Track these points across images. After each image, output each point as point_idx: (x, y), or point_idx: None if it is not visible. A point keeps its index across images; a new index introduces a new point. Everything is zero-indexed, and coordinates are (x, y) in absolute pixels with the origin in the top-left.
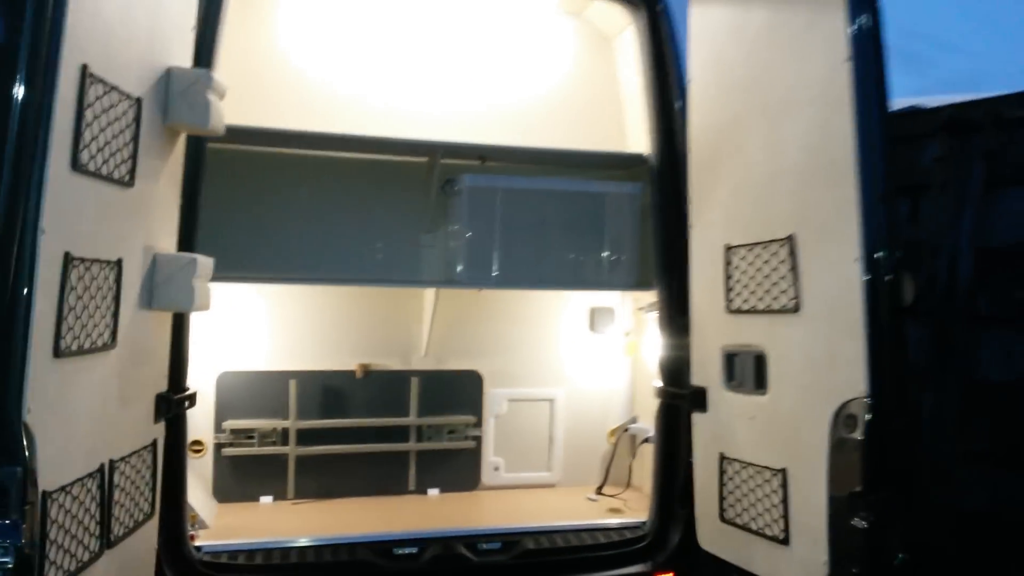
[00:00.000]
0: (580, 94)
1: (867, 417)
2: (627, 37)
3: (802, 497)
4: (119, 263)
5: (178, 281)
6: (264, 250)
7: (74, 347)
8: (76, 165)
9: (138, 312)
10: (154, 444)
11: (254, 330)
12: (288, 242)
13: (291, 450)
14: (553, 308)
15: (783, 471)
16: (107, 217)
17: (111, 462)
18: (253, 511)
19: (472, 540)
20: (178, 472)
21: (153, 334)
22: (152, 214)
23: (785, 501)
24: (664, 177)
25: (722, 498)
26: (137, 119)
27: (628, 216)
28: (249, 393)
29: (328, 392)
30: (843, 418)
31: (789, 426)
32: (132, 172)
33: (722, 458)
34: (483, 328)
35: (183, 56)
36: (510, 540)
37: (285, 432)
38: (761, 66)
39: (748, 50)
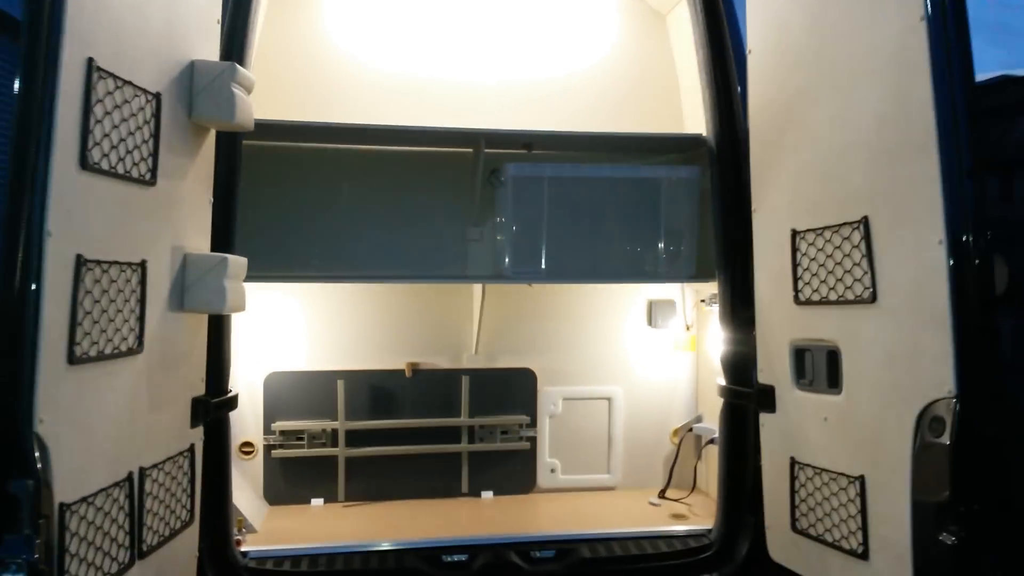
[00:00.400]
0: (633, 75)
1: (955, 420)
2: (680, 12)
3: (883, 508)
4: (143, 264)
5: (209, 281)
6: (307, 248)
7: (92, 353)
8: (85, 164)
9: (169, 314)
10: (191, 449)
11: (301, 330)
12: (331, 239)
13: (340, 452)
14: (608, 302)
15: (861, 478)
16: (126, 217)
17: (141, 470)
18: (304, 514)
19: (524, 547)
20: (222, 476)
21: (187, 336)
22: (180, 213)
23: (863, 512)
24: (723, 158)
25: (794, 506)
26: (157, 115)
27: (685, 202)
28: (297, 394)
29: (377, 392)
30: (928, 421)
31: (867, 429)
32: (153, 170)
33: (793, 463)
34: (535, 324)
35: (209, 50)
36: (565, 548)
37: (334, 433)
38: (826, 31)
39: (812, 14)
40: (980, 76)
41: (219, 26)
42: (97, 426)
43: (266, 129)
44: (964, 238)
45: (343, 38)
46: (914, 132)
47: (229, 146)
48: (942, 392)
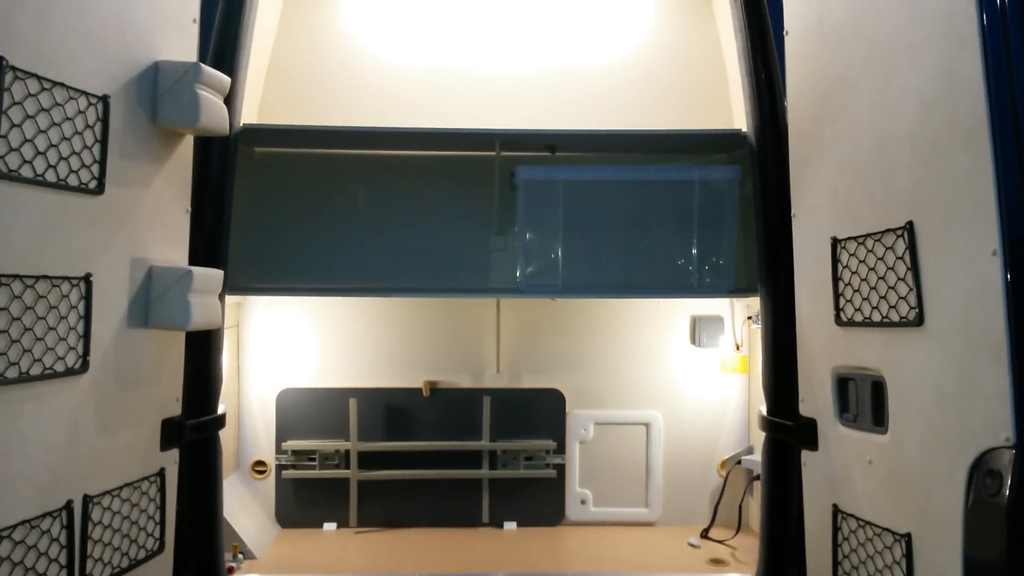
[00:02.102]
0: (675, 66)
1: (1016, 474)
2: None
3: (932, 572)
4: (87, 278)
5: (172, 296)
6: (320, 260)
7: (10, 375)
8: None
9: (128, 331)
10: (161, 473)
11: (314, 345)
12: (346, 250)
13: (353, 474)
14: (646, 318)
15: (907, 537)
16: (61, 228)
17: (86, 497)
18: (314, 539)
19: None
20: (211, 500)
21: (155, 354)
22: (140, 223)
23: (911, 575)
24: (765, 157)
25: (836, 562)
26: (104, 119)
27: (724, 206)
28: (310, 412)
29: (392, 412)
30: (982, 473)
31: (915, 477)
32: (100, 178)
33: (836, 512)
34: (563, 341)
35: (183, 50)
36: None
37: (347, 454)
38: (866, 4)
39: None
40: None
41: (195, 25)
42: (19, 452)
43: (275, 135)
44: None
45: (361, 38)
46: (962, 117)
47: (221, 152)
48: (999, 439)
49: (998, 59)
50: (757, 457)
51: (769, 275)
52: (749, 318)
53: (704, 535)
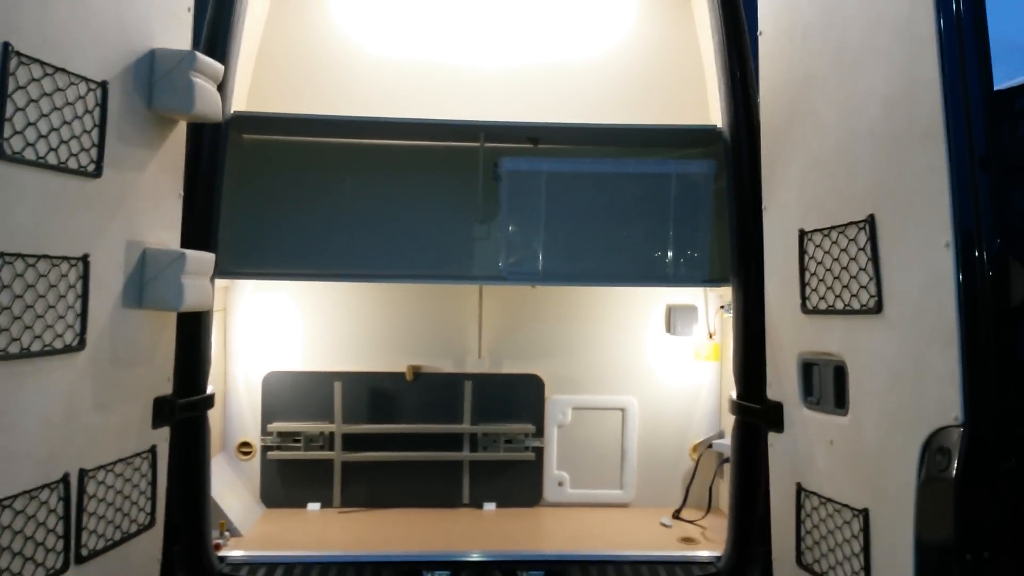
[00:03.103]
0: (655, 63)
1: (962, 451)
2: None
3: (886, 547)
4: (84, 259)
5: (166, 278)
6: (307, 245)
7: (12, 350)
8: (1, 153)
9: (123, 311)
10: (152, 450)
11: (300, 329)
12: (332, 236)
13: (337, 455)
14: (623, 306)
15: (864, 512)
16: (61, 209)
17: (82, 471)
18: (298, 518)
19: (512, 566)
20: (199, 477)
21: (148, 334)
22: (136, 206)
23: (866, 550)
24: (738, 151)
25: (799, 538)
26: (102, 104)
27: (698, 199)
28: (295, 394)
29: (376, 395)
30: (933, 451)
31: (872, 456)
32: (98, 161)
33: (799, 490)
34: (544, 328)
35: (177, 38)
36: (555, 569)
37: (331, 436)
38: (833, 5)
39: None
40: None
41: (190, 14)
42: (19, 425)
43: (264, 123)
44: (974, 240)
45: (348, 30)
46: (921, 116)
47: (212, 139)
48: (948, 419)
49: (953, 62)
50: (727, 441)
51: (741, 265)
52: (722, 307)
53: (676, 516)
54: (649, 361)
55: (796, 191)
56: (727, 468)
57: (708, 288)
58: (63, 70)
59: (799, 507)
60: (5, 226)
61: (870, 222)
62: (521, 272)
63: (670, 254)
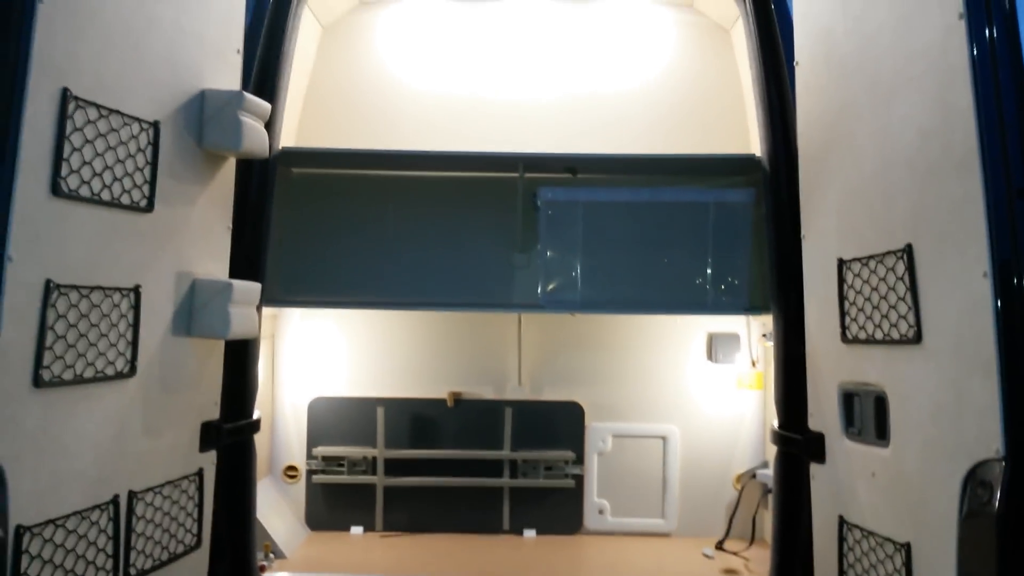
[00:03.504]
0: (696, 93)
1: (1004, 485)
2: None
3: None
4: (136, 289)
5: (214, 307)
6: (352, 275)
7: (66, 376)
8: (58, 191)
9: (172, 339)
10: (199, 473)
11: (345, 355)
12: (376, 266)
13: (379, 480)
14: (664, 334)
15: (907, 546)
16: (115, 243)
17: (131, 493)
18: (341, 542)
19: None
20: (245, 500)
21: (196, 361)
22: (186, 239)
23: None
24: (777, 180)
25: (841, 572)
26: (154, 142)
27: (738, 227)
28: (340, 419)
29: (417, 421)
30: (975, 484)
31: (914, 489)
32: (151, 197)
33: (842, 522)
34: (584, 356)
35: (227, 79)
36: None
37: (374, 461)
38: (870, 37)
39: (856, 18)
40: None
41: (239, 56)
42: (72, 448)
43: (311, 157)
44: (1013, 269)
45: (393, 66)
46: (956, 146)
47: (260, 174)
48: (990, 452)
49: (988, 90)
50: (771, 471)
51: (780, 294)
52: (764, 335)
53: (719, 547)
54: (690, 389)
55: (835, 220)
56: (770, 499)
57: (749, 316)
58: (117, 112)
59: (841, 540)
60: (61, 259)
61: (908, 251)
62: (560, 300)
63: (710, 282)
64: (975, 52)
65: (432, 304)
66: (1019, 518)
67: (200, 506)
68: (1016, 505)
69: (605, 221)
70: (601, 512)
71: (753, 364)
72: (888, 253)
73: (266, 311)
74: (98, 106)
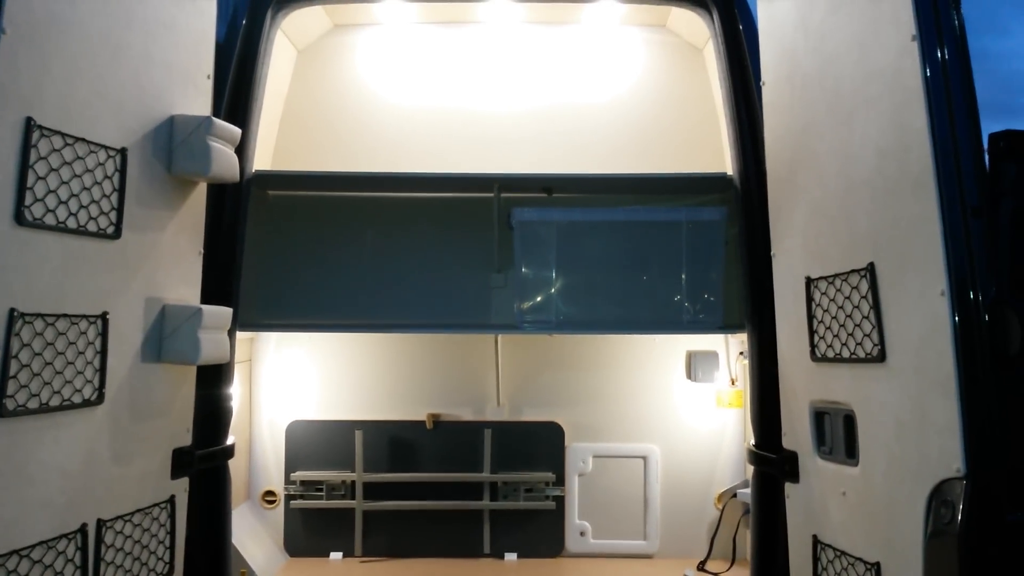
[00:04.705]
0: (670, 112)
1: (965, 504)
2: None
3: None
4: (103, 316)
5: (183, 333)
6: (325, 297)
7: (31, 405)
8: (22, 219)
9: (142, 366)
10: (171, 500)
11: (322, 379)
12: (351, 288)
13: (358, 504)
14: (642, 353)
15: (876, 566)
16: (81, 271)
17: (100, 521)
18: (320, 568)
19: None
20: (219, 527)
21: (167, 387)
22: (155, 265)
23: None
24: (748, 198)
25: None
26: (121, 169)
27: (712, 246)
28: (318, 443)
29: (396, 444)
30: (938, 503)
31: (882, 508)
32: (118, 224)
33: (815, 542)
34: (563, 376)
35: (196, 105)
36: None
37: (353, 485)
38: (831, 58)
39: (818, 38)
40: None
41: (209, 81)
42: (38, 477)
43: (285, 180)
44: (969, 287)
45: (369, 86)
46: (912, 166)
47: (233, 198)
48: (951, 471)
49: (941, 113)
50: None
51: (754, 312)
52: (741, 353)
53: (701, 567)
54: (670, 408)
55: (802, 238)
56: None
57: (726, 334)
58: (83, 139)
59: (816, 560)
60: (25, 288)
61: (870, 270)
62: (536, 321)
63: (685, 301)
64: (928, 73)
65: (409, 326)
66: (982, 536)
67: (172, 534)
68: (978, 523)
69: (580, 241)
70: (583, 534)
71: (732, 382)
72: (852, 272)
73: (243, 335)
74: (63, 134)
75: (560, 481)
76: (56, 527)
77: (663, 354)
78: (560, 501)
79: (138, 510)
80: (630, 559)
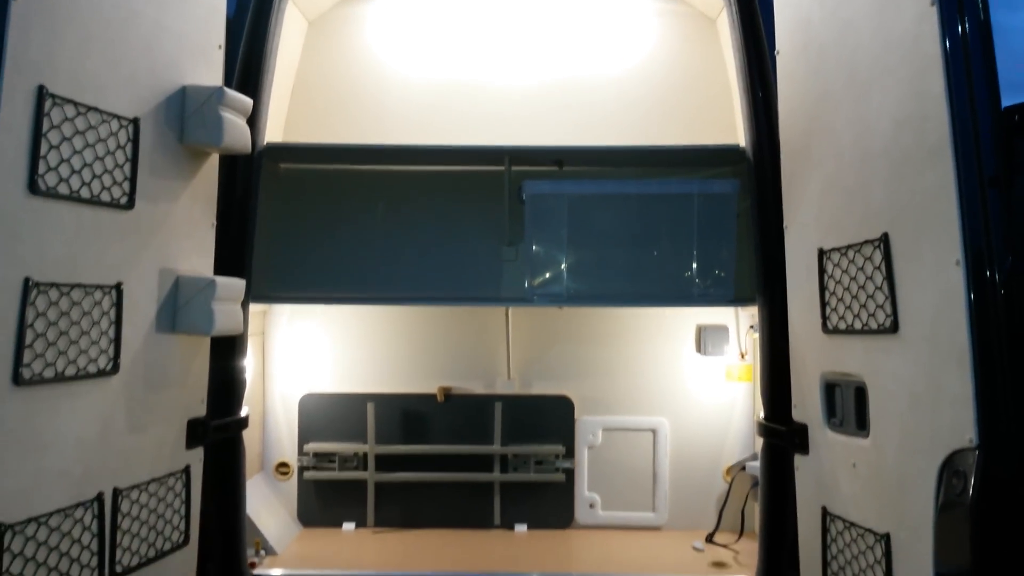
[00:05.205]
0: (683, 84)
1: (977, 475)
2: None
3: (909, 573)
4: (118, 287)
5: (197, 304)
6: (337, 269)
7: (47, 375)
8: (35, 188)
9: (156, 336)
10: (186, 470)
11: (334, 351)
12: (364, 261)
13: (370, 476)
14: (652, 327)
15: (886, 537)
16: (95, 240)
17: (116, 490)
18: (333, 538)
19: None
20: (234, 496)
21: (182, 358)
22: (169, 236)
23: (889, 574)
24: (761, 170)
25: (825, 563)
26: (134, 139)
27: (723, 219)
28: (330, 416)
29: (407, 417)
30: (950, 474)
31: (892, 480)
32: (131, 194)
33: (825, 513)
34: (573, 349)
35: (208, 75)
36: None
37: (365, 457)
38: (847, 26)
39: (832, 5)
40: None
41: (221, 51)
42: (54, 446)
43: (296, 152)
44: (985, 258)
45: (380, 58)
46: (928, 135)
47: (245, 169)
48: (964, 441)
49: (960, 81)
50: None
51: (765, 285)
52: (751, 327)
53: (709, 539)
54: (680, 382)
55: (815, 210)
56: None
57: (739, 308)
58: (96, 109)
59: (825, 531)
60: (39, 257)
61: (884, 240)
62: (547, 294)
63: (696, 274)
64: (947, 40)
65: (420, 299)
66: (992, 507)
67: (187, 503)
68: (989, 494)
69: (590, 214)
70: (592, 506)
71: (742, 356)
72: (866, 243)
73: (255, 308)
74: (76, 103)
75: (570, 454)
76: (73, 495)
77: (673, 328)
78: (570, 473)
79: (153, 479)
80: (639, 531)
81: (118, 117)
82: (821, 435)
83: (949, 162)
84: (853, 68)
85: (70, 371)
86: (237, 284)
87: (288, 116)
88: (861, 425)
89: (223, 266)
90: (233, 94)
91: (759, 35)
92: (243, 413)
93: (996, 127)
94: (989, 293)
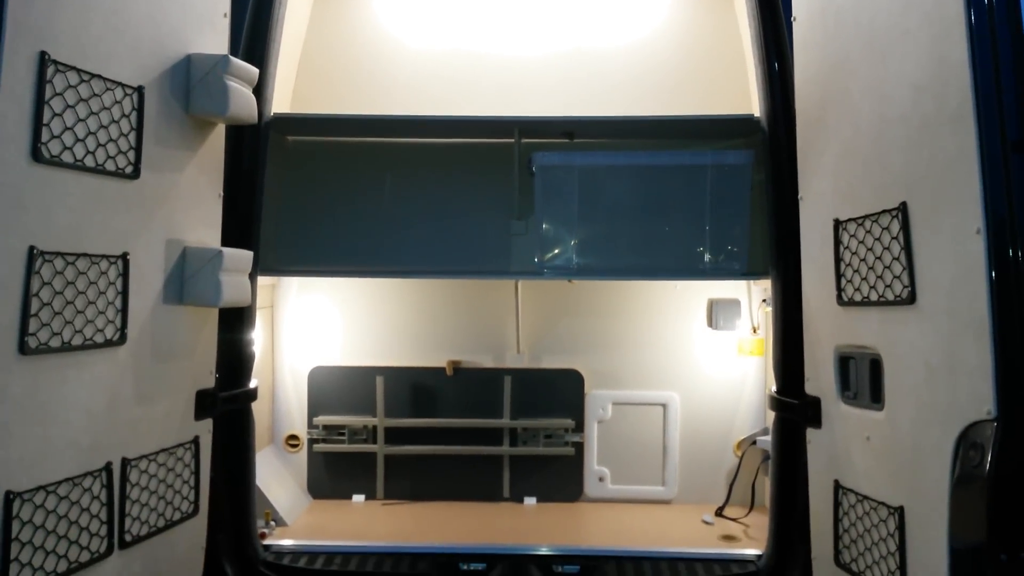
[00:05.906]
0: (696, 52)
1: (995, 447)
2: None
3: (922, 546)
4: (124, 257)
5: (204, 275)
6: (345, 242)
7: (53, 344)
8: (39, 156)
9: (163, 307)
10: (195, 441)
11: (344, 325)
12: (373, 233)
13: (380, 449)
14: (663, 300)
15: (900, 510)
16: (100, 210)
17: (125, 460)
18: (343, 510)
19: (548, 561)
20: (244, 468)
21: (189, 329)
22: (176, 206)
23: (902, 549)
24: (776, 140)
25: (837, 536)
26: (139, 108)
27: (737, 190)
28: (340, 389)
29: (417, 390)
30: (967, 447)
31: (907, 453)
32: (136, 163)
33: (837, 487)
34: (583, 323)
35: (214, 43)
36: (591, 564)
37: (375, 430)
38: None
39: None
40: None
41: (226, 20)
42: (62, 416)
43: (304, 123)
44: (1007, 226)
45: (388, 27)
46: (949, 100)
47: (251, 140)
48: (981, 413)
49: (984, 44)
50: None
51: (779, 258)
52: (764, 301)
53: (719, 513)
54: (691, 356)
55: (831, 180)
56: (769, 464)
57: (751, 281)
58: (99, 76)
59: (837, 505)
60: (44, 226)
61: (902, 210)
62: (556, 267)
63: (708, 247)
64: (972, 4)
65: (430, 272)
66: (1010, 480)
67: (197, 474)
68: (1008, 467)
69: (601, 186)
70: (601, 480)
71: (754, 330)
72: (883, 212)
73: (264, 281)
74: (79, 70)
75: (579, 428)
76: (81, 464)
77: (684, 302)
78: (579, 447)
79: (162, 450)
80: (648, 504)
81: (122, 85)
82: (834, 408)
83: (971, 127)
84: (871, 33)
85: (76, 341)
86: (244, 256)
87: (295, 87)
88: (875, 398)
89: (230, 238)
90: (239, 63)
91: (775, 1)
92: (252, 385)
93: (1021, 89)
94: (1010, 261)
